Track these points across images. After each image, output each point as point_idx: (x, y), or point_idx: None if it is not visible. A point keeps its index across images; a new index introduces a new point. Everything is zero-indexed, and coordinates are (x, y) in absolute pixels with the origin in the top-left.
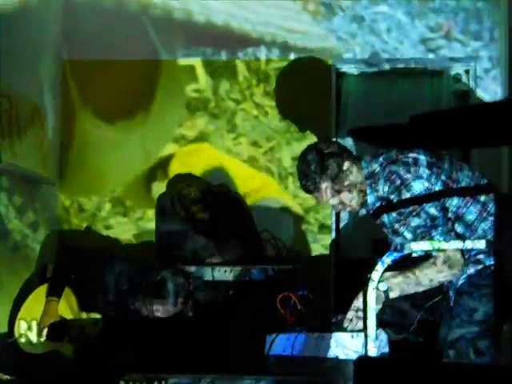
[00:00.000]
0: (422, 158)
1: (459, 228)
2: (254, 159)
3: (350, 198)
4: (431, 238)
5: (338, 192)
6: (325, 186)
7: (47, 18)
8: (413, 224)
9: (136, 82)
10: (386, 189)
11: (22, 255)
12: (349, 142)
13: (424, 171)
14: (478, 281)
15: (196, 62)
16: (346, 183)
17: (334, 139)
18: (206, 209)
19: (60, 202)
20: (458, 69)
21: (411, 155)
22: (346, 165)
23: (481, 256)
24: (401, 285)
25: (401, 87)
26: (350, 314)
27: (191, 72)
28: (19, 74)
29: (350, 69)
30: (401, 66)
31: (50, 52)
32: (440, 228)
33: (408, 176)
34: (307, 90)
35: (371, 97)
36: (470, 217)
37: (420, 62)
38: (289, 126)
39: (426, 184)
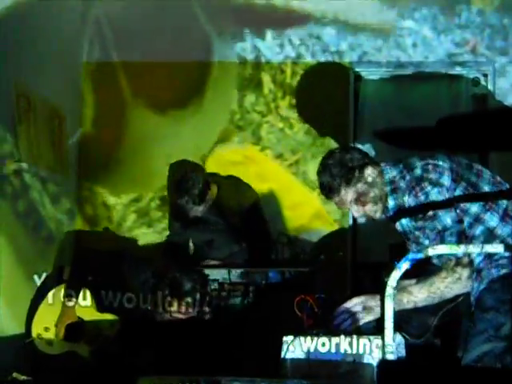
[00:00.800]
0: (442, 164)
1: (480, 233)
2: (278, 172)
3: (375, 210)
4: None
5: (363, 204)
6: (345, 191)
7: (67, 18)
8: (428, 230)
9: (182, 81)
10: (406, 196)
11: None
12: (366, 147)
13: (444, 178)
14: (503, 295)
15: None
16: (371, 195)
17: (352, 144)
18: (202, 200)
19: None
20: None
21: (431, 162)
22: (367, 171)
23: (503, 261)
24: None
25: (419, 91)
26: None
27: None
28: (38, 74)
29: (369, 72)
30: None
31: (70, 52)
32: (455, 235)
33: (426, 183)
34: (326, 93)
35: (389, 101)
36: (492, 222)
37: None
38: (314, 140)
39: (445, 191)
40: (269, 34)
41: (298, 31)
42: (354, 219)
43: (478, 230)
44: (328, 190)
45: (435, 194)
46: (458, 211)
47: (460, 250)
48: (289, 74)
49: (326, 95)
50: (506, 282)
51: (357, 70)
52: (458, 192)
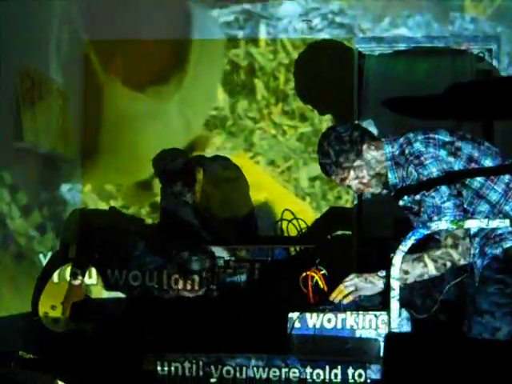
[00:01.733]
0: (442, 138)
1: (483, 208)
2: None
3: (375, 186)
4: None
5: (358, 177)
6: (344, 170)
7: None
8: (428, 204)
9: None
10: (406, 170)
11: (27, 263)
12: (370, 123)
13: (443, 152)
14: (500, 299)
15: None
16: (366, 167)
17: (356, 121)
18: (192, 182)
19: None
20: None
21: (431, 135)
22: (366, 148)
23: (506, 235)
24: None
25: (423, 67)
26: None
27: (210, 90)
28: (40, 52)
29: (372, 49)
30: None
31: (71, 31)
32: (452, 208)
33: (426, 156)
34: (329, 70)
35: (393, 77)
36: (494, 197)
37: (442, 41)
38: (306, 146)
39: (445, 165)
40: (263, 41)
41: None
42: (359, 195)
43: (480, 205)
44: (326, 170)
45: (433, 168)
46: (457, 185)
47: (466, 225)
48: (282, 81)
49: (329, 72)
50: (510, 257)
51: (360, 45)
52: (457, 166)
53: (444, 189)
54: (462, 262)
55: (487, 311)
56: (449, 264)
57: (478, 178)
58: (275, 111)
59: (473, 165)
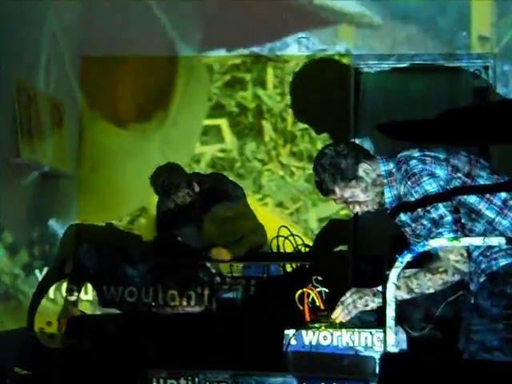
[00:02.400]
0: (438, 155)
1: (479, 225)
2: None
3: (371, 204)
4: (440, 237)
5: (354, 195)
6: (340, 190)
7: (65, 12)
8: (424, 221)
9: (152, 79)
10: (402, 187)
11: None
12: (367, 140)
13: (439, 169)
14: (494, 317)
15: (222, 121)
16: (362, 186)
17: (352, 138)
18: (191, 195)
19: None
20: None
21: (427, 153)
22: (361, 167)
23: (502, 253)
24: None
25: (419, 84)
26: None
27: (217, 132)
28: (38, 69)
29: (369, 66)
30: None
31: (69, 48)
32: (450, 225)
33: (422, 174)
34: (325, 87)
35: (390, 93)
36: (490, 214)
37: (439, 58)
38: (315, 187)
39: (441, 182)
40: (270, 83)
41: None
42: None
43: (476, 222)
44: (322, 190)
45: (430, 185)
46: (454, 202)
47: (462, 242)
48: (290, 122)
49: (326, 89)
50: (505, 274)
51: (357, 63)
52: (454, 184)
53: (441, 205)
54: (458, 278)
55: (482, 329)
56: (448, 279)
57: (474, 195)
58: (283, 152)
59: (469, 182)
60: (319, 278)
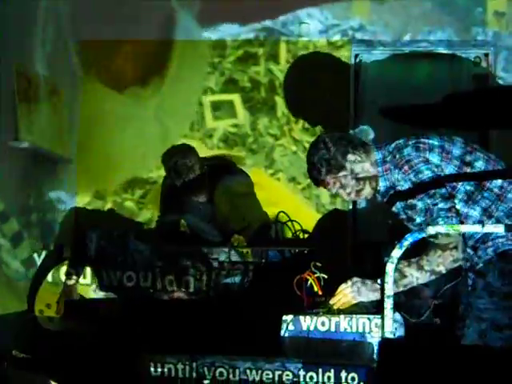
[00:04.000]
0: (433, 142)
1: (475, 212)
2: (292, 196)
3: (364, 193)
4: (436, 223)
5: (349, 190)
6: (331, 179)
7: None
8: (420, 208)
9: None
10: (395, 175)
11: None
12: (366, 128)
13: (433, 156)
14: (492, 303)
15: (235, 96)
16: (350, 177)
17: (351, 127)
18: (203, 179)
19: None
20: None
21: (422, 140)
22: (349, 159)
23: (499, 240)
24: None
25: (420, 70)
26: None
27: (230, 107)
28: (37, 53)
29: (369, 52)
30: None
31: (66, 31)
32: (442, 213)
33: (416, 161)
34: (325, 73)
35: (390, 80)
36: (486, 201)
37: (440, 45)
38: None
39: (434, 169)
40: (283, 58)
41: None
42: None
43: (472, 208)
44: (314, 180)
45: (423, 173)
46: (449, 189)
47: (461, 229)
48: None
49: (325, 76)
50: (503, 261)
51: (357, 49)
52: (449, 170)
53: (435, 192)
54: (456, 265)
55: (479, 316)
56: (458, 256)
57: (470, 182)
58: (296, 128)
59: (465, 168)
60: (318, 263)
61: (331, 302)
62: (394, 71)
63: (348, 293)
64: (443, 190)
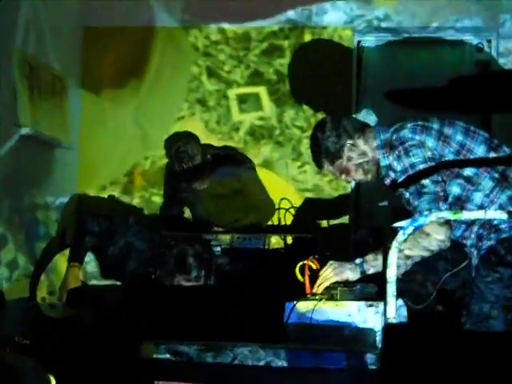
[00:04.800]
0: (431, 125)
1: (477, 197)
2: (318, 188)
3: (365, 176)
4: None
5: (349, 173)
6: (329, 163)
7: None
8: (411, 191)
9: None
10: (391, 157)
11: None
12: (369, 112)
13: (428, 139)
14: (495, 289)
15: (261, 89)
16: (350, 163)
17: (354, 110)
18: (205, 167)
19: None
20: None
21: (420, 123)
22: (346, 146)
23: (502, 226)
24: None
25: (422, 57)
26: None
27: (256, 99)
28: (40, 39)
29: (372, 39)
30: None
31: (70, 18)
32: (427, 197)
33: (410, 143)
34: (328, 60)
35: (392, 67)
36: (487, 186)
37: (441, 31)
38: None
39: (429, 153)
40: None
41: None
42: (357, 184)
43: (473, 193)
44: (316, 164)
45: (417, 155)
46: (442, 172)
47: (464, 215)
48: None
49: (328, 63)
50: (505, 247)
51: (360, 35)
52: (446, 153)
53: (427, 175)
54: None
55: (483, 301)
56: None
57: (469, 167)
58: None
59: (464, 152)
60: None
61: (314, 289)
62: (397, 57)
63: (327, 274)
64: (434, 174)
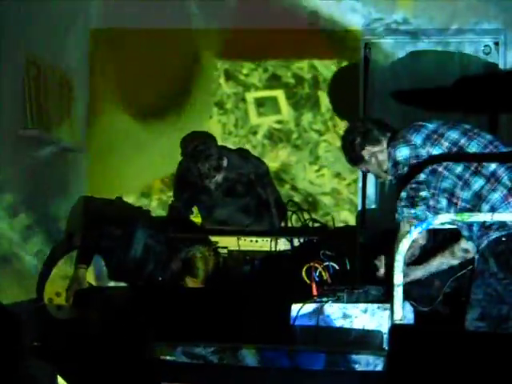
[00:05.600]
0: (427, 124)
1: (466, 195)
2: (337, 191)
3: (382, 174)
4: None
5: (370, 172)
6: (368, 160)
7: None
8: (403, 194)
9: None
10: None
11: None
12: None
13: (416, 137)
14: (489, 290)
15: (278, 92)
16: (371, 166)
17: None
18: (219, 168)
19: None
20: (487, 41)
21: (418, 123)
22: (366, 151)
23: (495, 227)
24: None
25: (430, 58)
26: None
27: (274, 103)
28: (48, 41)
29: (379, 39)
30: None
31: (79, 20)
32: (414, 191)
33: (399, 141)
34: (335, 59)
35: (400, 68)
36: (477, 185)
37: (449, 32)
38: None
39: (414, 151)
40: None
41: None
42: (363, 188)
43: (465, 191)
44: (352, 161)
45: (402, 153)
46: (429, 169)
47: (470, 218)
48: None
49: (336, 64)
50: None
51: (367, 37)
52: (435, 151)
53: (413, 173)
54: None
55: (502, 303)
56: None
57: (461, 165)
58: (340, 123)
59: (455, 150)
60: (327, 252)
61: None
62: (404, 58)
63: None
64: (420, 173)
